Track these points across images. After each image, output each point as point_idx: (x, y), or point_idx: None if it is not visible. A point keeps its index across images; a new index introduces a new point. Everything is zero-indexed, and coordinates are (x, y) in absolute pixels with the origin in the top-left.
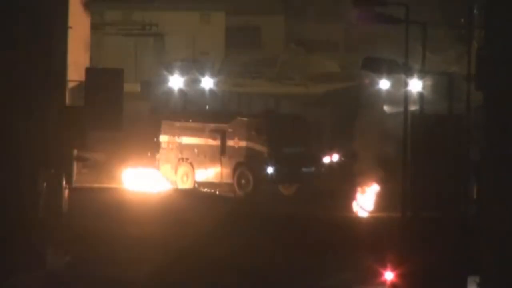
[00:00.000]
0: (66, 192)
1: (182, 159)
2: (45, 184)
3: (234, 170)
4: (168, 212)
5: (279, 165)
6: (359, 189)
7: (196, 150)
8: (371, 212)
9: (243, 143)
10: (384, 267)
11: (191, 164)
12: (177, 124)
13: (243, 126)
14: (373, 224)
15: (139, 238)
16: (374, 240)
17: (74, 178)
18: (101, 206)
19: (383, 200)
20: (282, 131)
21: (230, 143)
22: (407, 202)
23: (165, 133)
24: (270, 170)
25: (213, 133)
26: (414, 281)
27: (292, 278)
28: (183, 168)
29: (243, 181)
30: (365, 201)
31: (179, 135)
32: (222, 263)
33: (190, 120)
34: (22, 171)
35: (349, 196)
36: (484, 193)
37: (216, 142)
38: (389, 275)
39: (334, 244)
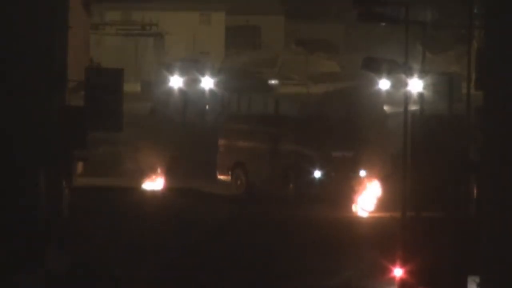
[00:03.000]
0: (66, 192)
1: (237, 162)
2: (45, 184)
3: (283, 173)
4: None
5: (327, 169)
6: (358, 187)
7: (249, 154)
8: (371, 212)
9: (292, 147)
10: (393, 263)
11: (245, 167)
12: (234, 127)
13: (292, 129)
14: (375, 223)
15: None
16: (380, 238)
17: (74, 178)
18: (101, 206)
19: (383, 199)
20: (331, 134)
21: (280, 146)
22: (407, 202)
23: (223, 137)
24: (317, 174)
25: (264, 137)
26: (423, 278)
27: (297, 277)
28: (238, 172)
29: (290, 185)
30: (366, 200)
31: (236, 138)
32: (223, 260)
33: (244, 124)
34: (22, 171)
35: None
36: (484, 193)
37: (267, 146)
38: (398, 272)
39: (338, 244)
